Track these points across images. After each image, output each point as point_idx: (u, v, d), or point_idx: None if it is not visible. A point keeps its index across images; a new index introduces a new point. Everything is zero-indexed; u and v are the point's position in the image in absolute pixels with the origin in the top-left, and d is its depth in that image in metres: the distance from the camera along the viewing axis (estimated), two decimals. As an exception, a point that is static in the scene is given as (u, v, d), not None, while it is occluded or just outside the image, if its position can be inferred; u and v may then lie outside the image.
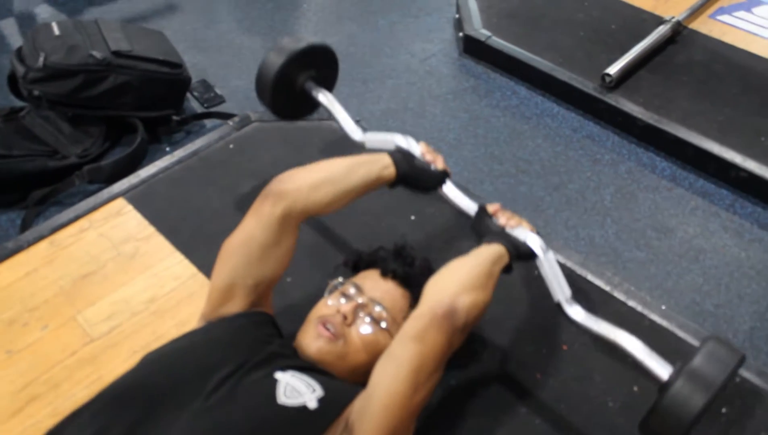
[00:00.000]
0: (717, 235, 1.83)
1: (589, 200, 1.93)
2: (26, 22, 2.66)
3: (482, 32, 2.44)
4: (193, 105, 2.24)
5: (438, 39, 2.60)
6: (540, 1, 2.66)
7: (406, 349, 0.97)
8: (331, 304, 1.15)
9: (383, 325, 1.13)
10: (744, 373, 1.34)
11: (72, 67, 1.89)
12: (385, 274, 1.21)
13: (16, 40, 2.56)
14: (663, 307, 1.45)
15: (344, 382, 1.07)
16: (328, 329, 1.09)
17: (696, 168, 2.03)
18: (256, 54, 2.53)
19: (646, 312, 1.44)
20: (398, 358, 0.97)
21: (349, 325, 1.11)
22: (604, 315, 1.40)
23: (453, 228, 1.58)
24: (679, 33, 2.45)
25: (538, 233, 1.23)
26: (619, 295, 1.47)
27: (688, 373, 0.96)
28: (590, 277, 1.51)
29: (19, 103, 2.03)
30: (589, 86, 2.21)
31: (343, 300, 1.15)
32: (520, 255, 1.18)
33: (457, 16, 2.63)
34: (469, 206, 1.32)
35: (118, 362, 1.30)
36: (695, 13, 2.54)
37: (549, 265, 1.19)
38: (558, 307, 1.16)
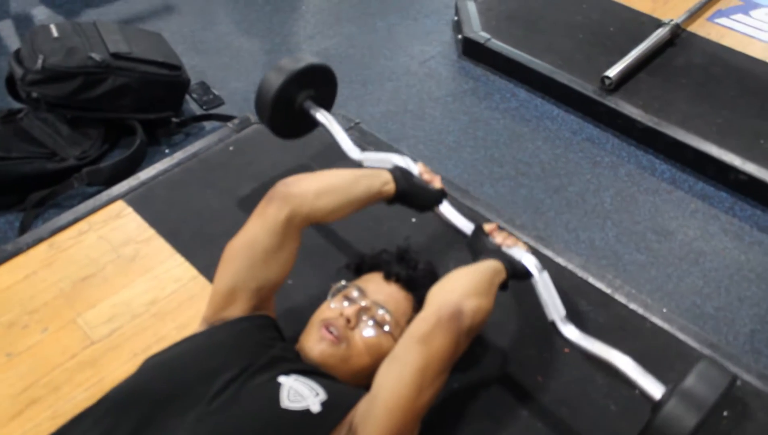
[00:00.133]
0: (717, 237, 1.84)
1: (589, 203, 1.93)
2: (23, 23, 2.65)
3: (481, 34, 2.45)
4: (192, 107, 2.24)
5: (437, 41, 2.60)
6: (538, 4, 2.67)
7: (411, 352, 0.97)
8: (334, 307, 1.14)
9: (386, 328, 1.13)
10: (745, 376, 1.34)
11: (71, 69, 1.88)
12: (388, 277, 1.20)
13: (13, 41, 2.55)
14: (664, 310, 1.45)
15: (347, 385, 1.07)
16: (331, 332, 1.09)
17: (695, 171, 2.03)
18: (254, 56, 2.53)
19: (647, 315, 1.44)
20: (403, 361, 0.96)
21: (352, 328, 1.11)
22: (605, 318, 1.43)
23: (449, 232, 1.58)
24: (678, 36, 2.45)
25: (533, 253, 1.25)
26: (620, 298, 1.47)
27: (680, 392, 0.98)
28: (591, 280, 1.51)
29: (16, 105, 2.03)
30: (588, 89, 2.21)
31: (346, 303, 1.15)
32: (516, 273, 1.20)
33: (455, 18, 2.64)
34: (466, 226, 1.34)
35: (119, 365, 1.30)
36: (693, 16, 2.55)
37: (544, 285, 1.20)
38: (552, 325, 1.18)
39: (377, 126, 2.16)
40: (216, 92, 2.29)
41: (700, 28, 2.53)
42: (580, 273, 1.52)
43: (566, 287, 1.48)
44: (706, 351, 1.37)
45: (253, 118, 1.95)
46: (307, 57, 1.57)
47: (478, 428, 1.22)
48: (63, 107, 1.93)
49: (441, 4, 2.81)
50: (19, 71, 1.88)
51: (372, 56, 2.52)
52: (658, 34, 2.39)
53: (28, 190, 1.82)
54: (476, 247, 1.26)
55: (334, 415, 0.96)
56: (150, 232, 1.57)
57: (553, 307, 1.18)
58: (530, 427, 1.23)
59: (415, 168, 1.35)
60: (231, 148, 1.84)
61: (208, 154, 1.82)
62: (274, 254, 1.14)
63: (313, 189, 1.19)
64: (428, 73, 2.44)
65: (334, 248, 1.54)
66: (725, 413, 1.27)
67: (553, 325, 1.17)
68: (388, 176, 1.28)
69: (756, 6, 2.67)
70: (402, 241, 1.33)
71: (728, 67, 2.35)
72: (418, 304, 1.16)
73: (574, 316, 1.41)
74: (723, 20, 2.59)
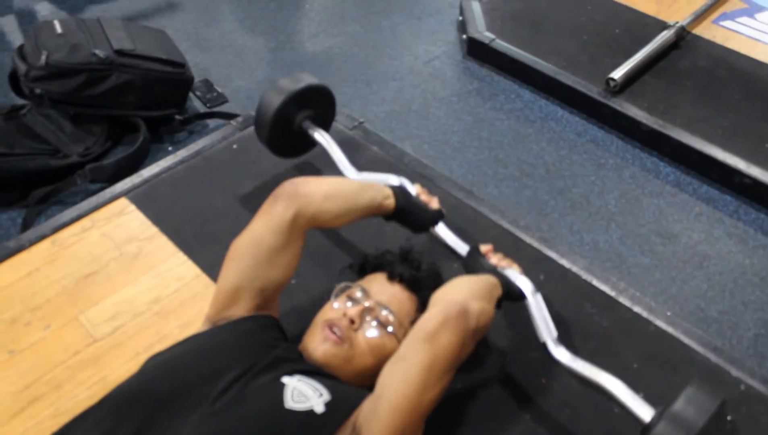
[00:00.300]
0: (721, 241, 1.83)
1: (594, 205, 1.93)
2: (26, 19, 2.64)
3: (486, 35, 2.44)
4: (196, 104, 2.23)
5: (441, 41, 2.59)
6: (543, 5, 2.66)
7: (417, 350, 0.96)
8: (337, 308, 1.14)
9: (390, 329, 1.12)
10: (749, 380, 1.33)
11: (75, 65, 1.88)
12: (392, 277, 1.20)
13: (16, 37, 2.55)
14: (668, 314, 1.44)
15: (351, 386, 1.06)
16: (334, 333, 1.08)
17: (700, 174, 2.03)
18: (258, 54, 2.52)
19: (651, 318, 1.43)
20: (409, 360, 0.96)
21: (356, 329, 1.10)
22: (609, 321, 1.42)
23: (456, 232, 1.57)
24: (683, 38, 2.45)
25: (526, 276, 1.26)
26: (625, 301, 1.47)
27: (669, 416, 0.98)
28: (595, 283, 1.50)
29: (20, 101, 2.02)
30: (593, 90, 2.21)
31: (349, 303, 1.14)
32: (511, 293, 1.21)
33: (460, 18, 2.63)
34: (462, 247, 1.36)
35: (121, 363, 1.29)
36: (698, 18, 2.54)
37: (537, 307, 1.22)
38: (543, 347, 1.19)
39: (381, 125, 2.15)
40: (220, 90, 2.29)
41: (705, 30, 2.52)
42: (584, 275, 1.52)
43: (570, 290, 1.48)
44: (710, 355, 1.37)
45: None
46: (307, 77, 1.59)
47: (481, 429, 1.22)
48: (66, 104, 1.92)
49: (445, 3, 2.81)
50: (22, 67, 1.88)
51: (376, 55, 2.52)
52: (663, 37, 2.38)
53: (31, 187, 1.82)
54: (472, 267, 1.27)
55: (337, 416, 0.96)
56: (153, 229, 1.56)
57: (546, 328, 1.20)
58: (534, 429, 1.23)
59: (413, 189, 1.37)
60: (234, 146, 1.83)
61: (211, 151, 1.81)
62: (279, 254, 1.14)
63: (322, 191, 1.20)
64: (432, 73, 2.43)
65: (337, 248, 1.54)
66: (729, 418, 1.26)
67: (544, 346, 1.19)
68: (389, 192, 1.31)
69: (761, 9, 2.66)
70: (405, 242, 1.32)
71: (733, 70, 2.34)
72: (421, 305, 1.15)
73: (577, 318, 1.42)
74: (728, 23, 2.58)
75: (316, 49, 2.56)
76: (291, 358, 1.06)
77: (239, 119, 1.94)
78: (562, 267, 1.53)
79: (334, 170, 1.54)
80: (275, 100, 1.53)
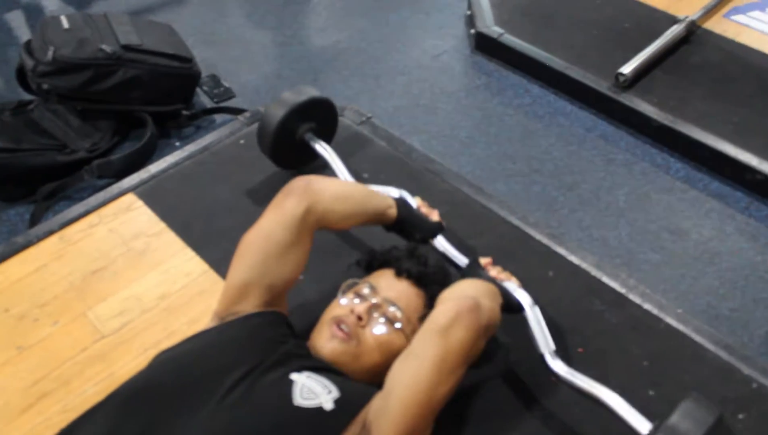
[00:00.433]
0: (732, 237, 1.81)
1: (603, 201, 1.91)
2: (33, 14, 2.65)
3: (494, 29, 2.42)
4: (203, 100, 2.23)
5: (449, 35, 2.58)
6: (552, -1, 2.64)
7: (429, 344, 0.96)
8: (344, 304, 1.13)
9: (398, 325, 1.12)
10: (760, 378, 1.32)
11: (82, 60, 1.88)
12: (399, 273, 1.19)
13: (23, 32, 2.55)
14: (679, 311, 1.43)
15: (360, 383, 1.06)
16: (342, 330, 1.08)
17: (711, 170, 2.00)
18: (266, 48, 2.52)
19: (661, 315, 1.42)
20: (421, 355, 0.95)
21: (364, 325, 1.10)
22: (619, 318, 1.41)
23: (462, 228, 1.57)
24: (693, 33, 2.42)
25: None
26: (635, 298, 1.45)
27: (666, 430, 0.98)
28: (605, 279, 1.49)
29: (27, 97, 2.02)
30: (602, 85, 2.19)
31: (357, 300, 1.14)
32: (509, 305, 1.21)
33: (468, 12, 2.61)
34: (461, 259, 1.36)
35: (129, 359, 1.29)
36: (709, 12, 2.51)
37: (535, 319, 1.22)
38: (541, 359, 1.19)
39: (389, 120, 2.14)
40: (227, 85, 2.28)
41: (716, 24, 2.49)
42: (594, 272, 1.50)
43: (579, 286, 1.47)
44: (721, 353, 1.35)
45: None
46: (309, 90, 1.61)
47: (490, 428, 1.21)
48: (73, 99, 1.93)
49: (453, -3, 2.79)
50: (29, 62, 1.88)
51: (384, 50, 2.50)
52: (674, 31, 2.35)
53: (39, 183, 1.82)
54: (471, 278, 1.27)
55: (347, 413, 0.96)
56: (161, 225, 1.56)
57: (544, 341, 1.20)
58: (544, 428, 1.22)
59: (413, 201, 1.38)
60: (242, 141, 1.83)
61: (218, 147, 1.81)
62: (289, 250, 1.14)
63: (332, 190, 1.21)
64: (441, 68, 2.42)
65: (344, 245, 1.53)
66: (740, 416, 1.25)
67: (541, 358, 1.19)
68: (392, 202, 1.33)
69: (772, 3, 2.63)
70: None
71: (744, 65, 2.31)
72: (429, 301, 1.15)
73: (587, 316, 1.41)
74: (739, 17, 2.55)
75: (323, 44, 2.55)
76: (300, 354, 1.06)
77: (247, 114, 1.93)
78: (571, 263, 1.52)
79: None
80: (278, 113, 1.55)
